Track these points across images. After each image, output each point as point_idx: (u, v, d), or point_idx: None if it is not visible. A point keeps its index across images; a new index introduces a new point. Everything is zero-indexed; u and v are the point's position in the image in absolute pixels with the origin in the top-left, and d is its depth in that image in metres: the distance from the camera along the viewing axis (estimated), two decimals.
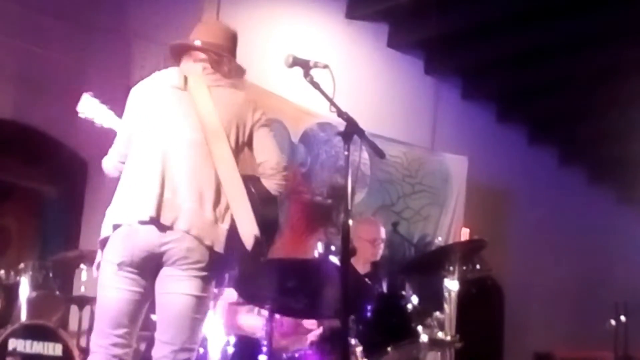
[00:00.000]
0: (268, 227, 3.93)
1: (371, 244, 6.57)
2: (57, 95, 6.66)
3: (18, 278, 5.71)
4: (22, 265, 5.79)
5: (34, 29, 6.62)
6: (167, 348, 3.78)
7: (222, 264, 3.82)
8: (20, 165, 6.74)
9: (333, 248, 5.33)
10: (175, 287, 3.78)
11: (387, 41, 9.10)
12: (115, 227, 3.79)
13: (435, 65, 9.56)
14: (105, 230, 3.83)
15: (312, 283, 4.38)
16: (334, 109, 3.67)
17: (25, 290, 5.68)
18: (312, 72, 3.70)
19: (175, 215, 3.75)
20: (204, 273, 3.76)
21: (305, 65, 3.70)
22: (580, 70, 9.08)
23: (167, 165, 3.83)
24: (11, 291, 5.70)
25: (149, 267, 3.78)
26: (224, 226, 3.79)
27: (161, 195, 3.76)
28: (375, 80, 9.00)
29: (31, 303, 5.69)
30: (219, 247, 3.76)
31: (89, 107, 4.36)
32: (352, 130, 3.63)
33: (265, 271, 4.47)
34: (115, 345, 3.81)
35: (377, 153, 3.80)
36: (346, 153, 3.61)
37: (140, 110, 3.99)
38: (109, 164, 4.08)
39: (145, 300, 3.85)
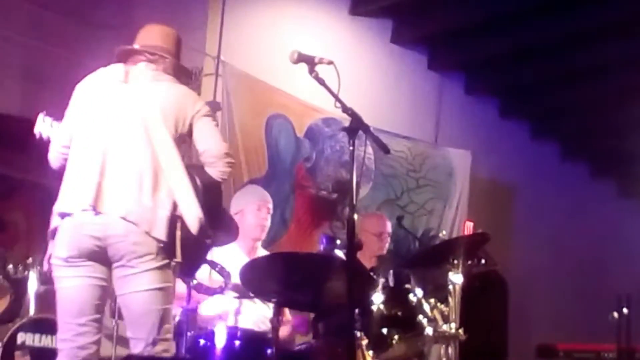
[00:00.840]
0: (212, 212, 4.01)
1: (378, 238, 6.61)
2: (63, 90, 6.69)
3: (26, 272, 5.76)
4: (30, 259, 5.83)
5: (40, 26, 6.66)
6: (141, 344, 3.84)
7: (171, 251, 3.86)
8: (27, 160, 6.76)
9: (338, 242, 5.38)
10: (132, 286, 3.84)
11: (390, 37, 9.12)
12: (62, 216, 3.88)
13: (438, 60, 9.57)
14: (54, 221, 3.92)
15: (317, 277, 4.41)
16: (338, 105, 3.70)
17: (33, 284, 5.73)
18: (317, 68, 3.74)
19: (114, 203, 3.82)
20: (157, 264, 3.82)
21: (310, 61, 3.74)
22: (582, 65, 9.10)
23: (108, 155, 3.91)
24: (20, 285, 5.74)
25: (98, 255, 3.84)
26: (163, 212, 3.83)
27: (100, 184, 3.85)
28: (379, 76, 9.02)
29: (40, 297, 5.73)
30: (158, 233, 3.80)
31: (45, 127, 4.43)
32: (356, 126, 3.67)
33: (269, 265, 4.52)
34: (78, 335, 3.86)
35: (382, 148, 3.84)
36: (351, 148, 3.64)
37: (83, 102, 4.14)
38: (51, 155, 4.26)
39: (103, 286, 3.90)
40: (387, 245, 6.66)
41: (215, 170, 4.05)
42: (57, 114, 6.60)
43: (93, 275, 3.87)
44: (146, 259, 3.81)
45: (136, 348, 3.85)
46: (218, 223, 4.10)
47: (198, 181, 3.97)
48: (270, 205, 5.68)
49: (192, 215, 3.87)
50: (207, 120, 4.10)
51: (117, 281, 3.88)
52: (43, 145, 6.54)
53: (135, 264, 3.81)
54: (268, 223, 5.65)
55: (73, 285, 3.88)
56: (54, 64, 6.65)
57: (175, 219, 3.85)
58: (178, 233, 3.85)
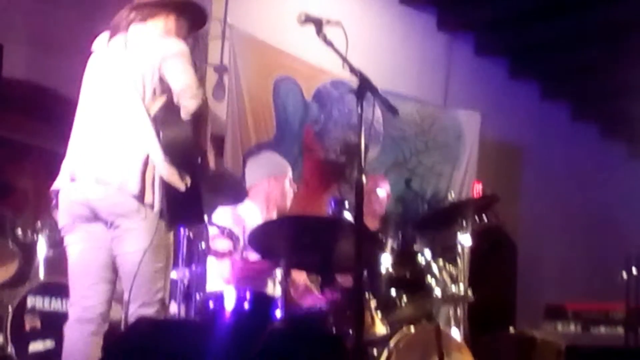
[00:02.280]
0: (186, 161, 3.94)
1: (377, 200, 6.63)
2: (72, 55, 6.66)
3: (35, 237, 5.76)
4: (39, 224, 5.83)
5: None
6: (132, 306, 3.87)
7: (151, 205, 3.85)
8: (36, 125, 6.76)
9: (346, 205, 5.38)
10: (120, 248, 3.89)
11: None
12: (57, 189, 4.06)
13: (447, 21, 9.51)
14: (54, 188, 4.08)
15: (325, 239, 4.42)
16: (346, 67, 3.69)
17: (42, 248, 5.74)
18: (325, 29, 3.72)
19: (89, 168, 3.91)
20: (137, 222, 3.84)
21: (317, 23, 3.72)
22: (592, 25, 9.03)
23: (90, 123, 4.04)
24: (29, 250, 5.75)
25: (92, 219, 3.91)
26: (134, 166, 3.84)
27: (80, 152, 3.98)
28: (387, 37, 8.97)
29: (49, 261, 5.75)
30: (132, 188, 3.81)
31: None
32: (364, 88, 3.65)
33: (278, 227, 4.52)
34: (84, 297, 3.94)
35: (390, 110, 3.82)
36: (359, 111, 3.63)
37: (85, 77, 4.26)
38: None
39: (108, 249, 3.94)
40: (379, 206, 6.65)
41: (181, 109, 3.93)
42: (71, 75, 6.63)
43: (94, 239, 3.94)
44: (127, 218, 3.84)
45: (129, 310, 3.87)
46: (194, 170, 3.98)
47: (161, 134, 3.89)
48: (290, 173, 5.65)
49: (160, 165, 3.86)
50: (172, 60, 3.99)
51: (111, 243, 3.93)
52: (49, 110, 6.56)
53: (120, 223, 3.86)
54: (291, 192, 5.63)
55: (77, 251, 3.99)
56: (60, 27, 6.61)
57: (145, 172, 3.85)
58: (149, 181, 3.84)
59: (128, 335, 3.44)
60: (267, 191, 5.53)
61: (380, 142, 8.59)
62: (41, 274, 5.67)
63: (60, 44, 6.62)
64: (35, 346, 5.38)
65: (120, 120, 3.94)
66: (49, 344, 5.42)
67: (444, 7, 9.40)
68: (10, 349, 5.21)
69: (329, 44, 3.69)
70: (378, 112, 7.47)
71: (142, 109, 3.91)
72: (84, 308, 3.93)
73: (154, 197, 3.83)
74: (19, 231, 5.74)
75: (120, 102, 3.97)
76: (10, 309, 5.29)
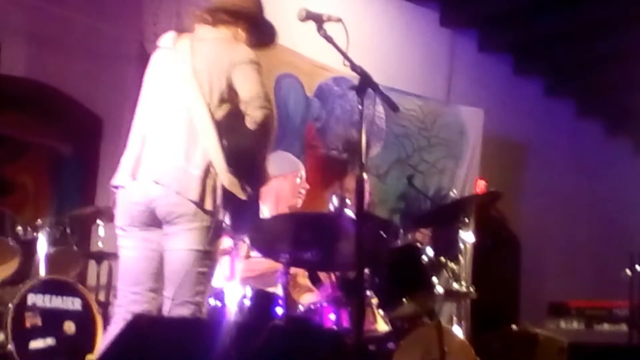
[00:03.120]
0: (246, 169, 3.94)
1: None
2: (71, 52, 6.67)
3: (36, 234, 5.76)
4: (39, 221, 5.83)
5: None
6: (168, 303, 3.87)
7: (211, 212, 3.85)
8: (35, 122, 6.76)
9: (348, 202, 5.36)
10: (170, 244, 3.89)
11: None
12: (115, 188, 4.00)
13: (450, 17, 9.49)
14: (113, 191, 4.05)
15: (327, 236, 4.40)
16: (347, 63, 3.67)
17: (43, 246, 5.73)
18: (326, 25, 3.70)
19: (149, 169, 3.90)
20: (195, 224, 3.83)
21: (318, 19, 3.71)
22: (596, 21, 8.99)
23: (150, 124, 3.99)
24: (29, 247, 5.75)
25: (149, 219, 3.91)
26: (195, 172, 3.83)
27: (140, 153, 3.94)
28: (390, 33, 8.95)
29: (49, 259, 5.75)
30: (192, 195, 3.80)
31: None
32: (365, 84, 3.63)
33: (278, 224, 4.50)
34: (131, 302, 3.95)
35: (391, 106, 3.81)
36: (360, 107, 3.61)
37: (148, 74, 4.16)
38: None
39: (156, 257, 3.95)
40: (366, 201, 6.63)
41: (247, 117, 3.91)
42: (71, 73, 6.63)
43: (148, 247, 3.96)
44: (184, 219, 3.83)
45: (165, 306, 3.89)
46: (255, 180, 4.01)
47: (224, 141, 3.89)
48: (303, 173, 5.63)
49: (222, 174, 3.86)
50: (242, 67, 3.96)
51: (163, 238, 3.93)
52: (49, 107, 6.54)
53: (176, 222, 3.86)
54: (302, 190, 5.60)
55: (130, 256, 4.00)
56: (60, 25, 6.60)
57: (206, 178, 3.85)
58: (210, 189, 3.84)
59: (127, 332, 3.42)
60: (277, 189, 5.51)
61: (383, 138, 8.57)
62: (42, 271, 5.66)
63: (60, 42, 6.62)
64: (36, 344, 5.38)
65: (184, 122, 3.91)
66: (49, 341, 5.42)
67: (447, 3, 9.38)
68: (10, 347, 5.21)
69: (330, 40, 3.67)
70: (380, 109, 7.48)
71: (207, 113, 3.88)
72: (128, 311, 3.94)
73: (215, 204, 3.84)
74: (19, 228, 5.74)
75: (184, 104, 3.93)
76: (10, 307, 5.28)
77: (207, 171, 3.84)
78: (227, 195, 3.85)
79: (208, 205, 3.81)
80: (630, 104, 10.24)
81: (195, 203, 3.79)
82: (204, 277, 3.90)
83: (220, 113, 3.91)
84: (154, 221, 3.92)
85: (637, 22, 8.74)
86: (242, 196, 3.86)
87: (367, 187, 6.54)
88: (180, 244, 3.86)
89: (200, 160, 3.84)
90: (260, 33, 4.28)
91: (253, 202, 3.94)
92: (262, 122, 3.86)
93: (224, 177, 3.84)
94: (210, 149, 3.86)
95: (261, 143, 3.96)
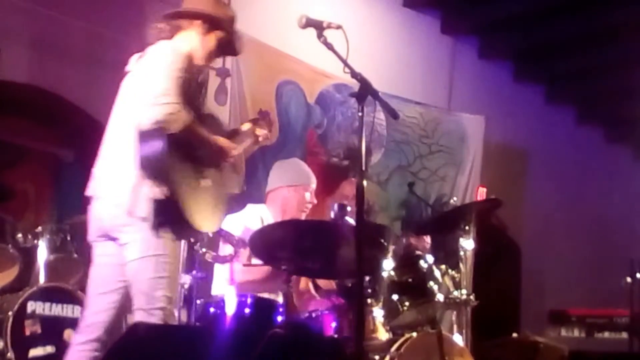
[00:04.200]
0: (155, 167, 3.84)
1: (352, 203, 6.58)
2: (72, 58, 6.67)
3: (36, 241, 5.76)
4: (39, 228, 5.83)
5: None
6: (138, 314, 3.88)
7: (144, 218, 3.84)
8: (36, 128, 6.76)
9: (349, 209, 5.34)
10: (124, 257, 3.91)
11: (402, 0, 9.05)
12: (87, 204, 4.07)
13: (452, 24, 9.48)
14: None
15: (328, 244, 4.38)
16: (347, 70, 3.66)
17: (43, 253, 5.73)
18: (326, 32, 3.69)
19: (102, 186, 3.96)
20: (138, 234, 3.83)
21: (318, 26, 3.69)
22: (597, 28, 9.00)
23: (108, 141, 4.06)
24: (29, 254, 5.75)
25: (107, 236, 3.97)
26: (128, 182, 3.83)
27: (98, 171, 4.02)
28: (391, 40, 8.95)
29: (49, 266, 5.74)
30: (126, 205, 3.82)
31: None
32: (366, 91, 3.63)
33: (279, 232, 4.49)
34: (93, 304, 4.02)
35: (391, 113, 3.81)
36: (360, 114, 3.60)
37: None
38: None
39: (115, 266, 3.98)
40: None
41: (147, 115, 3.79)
42: (73, 79, 6.63)
43: (108, 254, 3.99)
44: (129, 229, 3.85)
45: (135, 316, 3.88)
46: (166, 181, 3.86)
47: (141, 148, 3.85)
48: (314, 186, 5.59)
49: (140, 179, 3.85)
50: (146, 59, 3.96)
51: (120, 251, 3.95)
52: (50, 113, 6.54)
53: (121, 236, 3.89)
54: (309, 205, 5.57)
55: (96, 264, 4.06)
56: (62, 30, 6.60)
57: (138, 187, 3.84)
58: (143, 196, 3.82)
59: (125, 341, 3.41)
60: (284, 198, 5.49)
61: (384, 145, 8.57)
62: (41, 279, 5.65)
63: (61, 47, 6.61)
64: (36, 352, 5.36)
65: (122, 137, 3.93)
66: (49, 349, 5.40)
67: (448, 10, 9.38)
68: (10, 355, 5.19)
69: (330, 47, 3.66)
70: (381, 116, 7.48)
71: (133, 124, 3.86)
72: (83, 317, 4.02)
73: (146, 210, 3.81)
74: (19, 236, 5.74)
75: (125, 119, 3.97)
76: (10, 314, 5.27)
77: (140, 179, 3.82)
78: (154, 199, 3.81)
79: (140, 212, 3.80)
80: (630, 112, 10.24)
81: (128, 212, 3.81)
82: (162, 282, 3.85)
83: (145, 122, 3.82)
84: (108, 236, 3.96)
85: (637, 30, 8.74)
86: (160, 197, 3.78)
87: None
88: (132, 254, 3.86)
89: (130, 170, 3.83)
90: (220, 35, 4.20)
91: (174, 202, 3.80)
92: (160, 121, 3.75)
93: (142, 182, 3.82)
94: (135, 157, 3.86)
95: (182, 142, 3.85)
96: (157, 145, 3.79)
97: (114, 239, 3.94)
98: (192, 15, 4.16)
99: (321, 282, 5.40)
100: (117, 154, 3.94)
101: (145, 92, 3.81)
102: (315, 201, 5.58)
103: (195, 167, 3.99)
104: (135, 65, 4.08)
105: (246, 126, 4.57)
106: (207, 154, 4.05)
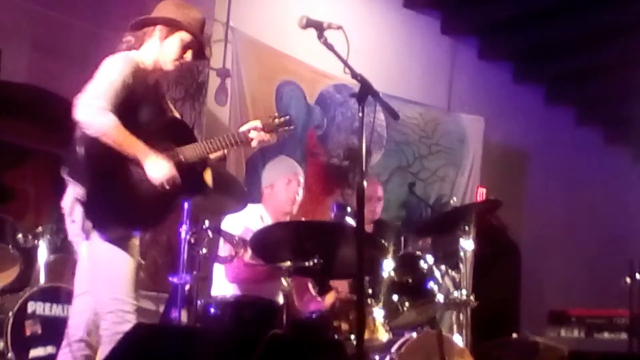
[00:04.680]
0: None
1: (367, 203, 6.59)
2: (72, 58, 6.66)
3: (36, 242, 5.75)
4: (40, 229, 5.83)
5: None
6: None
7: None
8: (36, 128, 6.75)
9: (349, 209, 5.35)
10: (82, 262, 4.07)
11: (403, 1, 9.05)
12: None
13: (451, 25, 9.48)
14: None
15: (328, 244, 4.39)
16: (348, 71, 3.67)
17: (43, 253, 5.73)
18: (326, 33, 3.70)
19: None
20: (76, 238, 3.98)
21: (319, 27, 3.70)
22: (596, 29, 8.99)
23: None
24: (29, 255, 5.75)
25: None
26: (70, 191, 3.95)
27: None
28: (391, 41, 8.95)
29: (49, 266, 5.74)
30: (65, 206, 3.96)
31: None
32: (366, 92, 3.63)
33: (280, 232, 4.50)
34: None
35: (391, 114, 3.82)
36: (360, 114, 3.61)
37: None
38: None
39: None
40: (378, 210, 6.62)
41: None
42: (73, 79, 6.61)
43: (81, 254, 4.06)
44: (75, 234, 3.98)
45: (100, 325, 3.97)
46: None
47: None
48: (302, 178, 5.60)
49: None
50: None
51: None
52: (50, 114, 6.53)
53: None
54: (299, 197, 5.56)
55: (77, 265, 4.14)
56: (62, 30, 6.60)
57: None
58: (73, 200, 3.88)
59: (126, 342, 3.41)
60: (277, 189, 5.51)
61: (384, 146, 8.57)
62: (42, 279, 5.65)
63: (61, 48, 6.61)
64: (36, 352, 5.36)
65: None
66: (49, 349, 5.39)
67: (447, 11, 9.38)
68: (10, 355, 5.19)
69: (330, 47, 3.67)
70: (381, 116, 7.49)
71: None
72: (68, 320, 4.08)
73: (70, 210, 3.89)
74: (20, 236, 5.73)
75: None
76: (10, 315, 5.27)
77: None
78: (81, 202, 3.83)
79: (76, 218, 3.89)
80: (629, 113, 10.23)
81: (67, 214, 3.94)
82: (109, 285, 3.86)
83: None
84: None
85: (636, 31, 8.75)
86: (80, 198, 3.81)
87: (379, 192, 6.58)
88: (85, 256, 3.95)
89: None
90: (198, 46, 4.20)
91: (93, 201, 3.82)
92: (80, 120, 3.83)
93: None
94: None
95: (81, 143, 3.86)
96: (73, 145, 3.85)
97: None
98: (151, 22, 4.18)
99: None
100: None
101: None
102: (301, 193, 5.57)
103: (128, 164, 3.92)
104: None
105: (246, 127, 4.50)
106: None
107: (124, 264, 3.88)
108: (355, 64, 3.67)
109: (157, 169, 3.89)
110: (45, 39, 6.56)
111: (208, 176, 4.20)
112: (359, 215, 3.65)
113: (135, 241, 3.98)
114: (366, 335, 4.44)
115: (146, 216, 4.01)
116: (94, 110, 3.81)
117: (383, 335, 4.87)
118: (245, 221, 5.23)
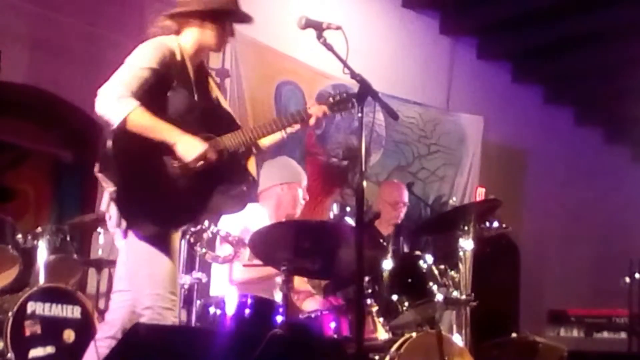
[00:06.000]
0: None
1: (392, 207, 6.63)
2: (71, 58, 6.67)
3: (36, 242, 5.76)
4: (39, 229, 5.84)
5: None
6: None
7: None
8: (36, 129, 6.76)
9: (348, 209, 5.35)
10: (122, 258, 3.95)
11: (402, 1, 9.06)
12: None
13: (450, 24, 9.49)
14: None
15: (327, 244, 4.39)
16: (347, 71, 3.67)
17: (43, 254, 5.73)
18: (325, 33, 3.71)
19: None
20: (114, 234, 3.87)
21: (318, 27, 3.71)
22: (595, 28, 9.00)
23: None
24: (29, 255, 5.75)
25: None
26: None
27: None
28: (390, 41, 8.96)
29: (49, 266, 5.75)
30: (103, 202, 3.83)
31: None
32: (365, 92, 3.64)
33: (279, 232, 4.49)
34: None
35: (390, 114, 3.82)
36: (359, 115, 3.62)
37: None
38: None
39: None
40: (402, 214, 6.65)
41: None
42: (71, 79, 6.63)
43: (121, 251, 3.97)
44: (113, 230, 3.88)
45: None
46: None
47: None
48: (305, 182, 5.56)
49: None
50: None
51: None
52: (50, 114, 6.53)
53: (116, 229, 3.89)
54: (302, 201, 5.53)
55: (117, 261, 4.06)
56: (60, 31, 6.61)
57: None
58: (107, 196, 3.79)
59: (125, 342, 3.41)
60: (278, 196, 5.49)
61: (383, 146, 8.58)
62: (41, 279, 5.66)
63: (60, 48, 6.62)
64: (36, 352, 5.37)
65: None
66: (49, 349, 5.41)
67: (446, 11, 9.39)
68: (10, 355, 5.20)
69: (329, 48, 3.68)
70: (380, 116, 7.48)
71: None
72: (106, 314, 4.04)
73: (106, 207, 3.82)
74: (19, 236, 5.74)
75: None
76: (10, 315, 5.27)
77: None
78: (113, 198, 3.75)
79: (103, 207, 3.83)
80: (628, 112, 10.23)
81: (104, 210, 3.85)
82: (147, 280, 3.78)
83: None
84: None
85: (635, 30, 8.75)
86: (111, 190, 3.73)
87: (405, 197, 6.59)
88: (123, 256, 3.88)
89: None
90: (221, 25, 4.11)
91: (128, 199, 3.73)
92: (98, 112, 3.71)
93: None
94: None
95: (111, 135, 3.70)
96: (104, 140, 3.71)
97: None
98: (190, 14, 4.04)
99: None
100: None
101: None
102: (307, 197, 5.56)
103: (162, 157, 3.81)
104: None
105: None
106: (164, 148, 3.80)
107: (162, 260, 3.79)
108: (354, 64, 3.68)
109: (189, 147, 3.75)
110: (45, 40, 6.57)
111: (252, 166, 4.12)
112: (358, 215, 3.65)
113: (176, 235, 3.90)
114: (366, 335, 4.44)
115: (183, 211, 3.91)
116: (111, 99, 3.68)
117: (382, 335, 4.87)
118: (244, 221, 5.23)
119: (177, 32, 4.03)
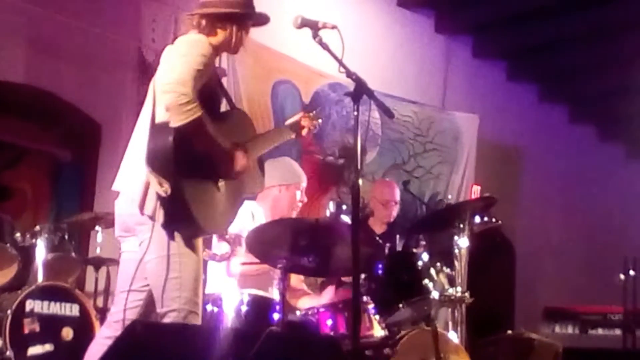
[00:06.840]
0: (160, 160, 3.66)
1: (384, 206, 6.66)
2: (69, 58, 6.69)
3: (34, 240, 5.76)
4: (37, 227, 5.84)
5: None
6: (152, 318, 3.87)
7: (151, 217, 3.73)
8: (34, 128, 6.77)
9: (345, 207, 5.38)
10: (144, 256, 3.81)
11: (397, 0, 9.08)
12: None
13: (445, 23, 9.52)
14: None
15: (324, 242, 4.42)
16: (342, 70, 3.69)
17: (41, 252, 5.74)
18: (321, 32, 3.72)
19: (120, 181, 3.90)
20: (148, 233, 3.73)
21: (313, 26, 3.72)
22: (589, 27, 9.03)
23: (133, 136, 3.95)
24: (27, 253, 5.76)
25: (128, 232, 3.91)
26: (141, 178, 3.71)
27: (121, 165, 3.94)
28: (385, 40, 8.98)
29: (47, 265, 5.75)
30: (137, 202, 3.72)
31: None
32: (361, 91, 3.66)
33: (275, 230, 4.52)
34: (114, 304, 4.00)
35: (386, 113, 3.84)
36: (355, 113, 3.64)
37: None
38: None
39: (135, 262, 3.87)
40: (394, 213, 6.68)
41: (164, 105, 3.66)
42: (70, 79, 6.65)
43: (131, 250, 3.91)
44: (143, 227, 3.77)
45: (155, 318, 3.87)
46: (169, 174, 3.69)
47: (150, 142, 3.71)
48: (304, 184, 5.56)
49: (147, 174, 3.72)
50: (166, 51, 3.81)
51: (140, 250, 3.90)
52: (48, 113, 6.54)
53: (139, 232, 3.80)
54: (300, 204, 5.53)
55: (122, 260, 4.01)
56: (59, 31, 6.62)
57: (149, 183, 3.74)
58: (152, 193, 3.70)
59: (123, 340, 3.43)
60: (275, 197, 5.49)
61: (379, 144, 8.61)
62: (40, 277, 5.67)
63: (58, 48, 6.64)
64: (34, 350, 5.38)
65: (142, 131, 3.83)
66: (47, 347, 5.42)
67: (441, 10, 9.41)
68: (9, 353, 5.20)
69: (325, 47, 3.69)
70: (376, 115, 7.52)
71: (149, 118, 3.78)
72: (111, 313, 3.99)
73: (152, 207, 3.70)
74: (18, 234, 5.75)
75: (147, 112, 3.87)
76: (9, 313, 5.27)
77: (148, 175, 3.71)
78: (160, 196, 3.66)
79: (148, 209, 3.71)
80: (622, 110, 10.27)
81: (139, 208, 3.72)
82: (177, 282, 3.74)
83: (159, 115, 3.75)
84: (129, 230, 3.89)
85: (628, 29, 8.79)
86: (162, 193, 3.63)
87: (397, 196, 6.62)
88: (147, 254, 3.78)
89: (142, 166, 3.71)
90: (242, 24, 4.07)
91: (177, 198, 3.65)
92: (170, 107, 3.60)
93: (148, 177, 3.69)
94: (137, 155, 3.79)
95: (185, 134, 3.64)
96: (163, 139, 3.65)
97: (135, 235, 3.85)
98: (223, 16, 4.00)
99: None
100: (137, 148, 3.82)
101: (160, 79, 3.71)
102: (305, 199, 5.57)
103: (206, 163, 3.81)
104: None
105: (291, 120, 4.52)
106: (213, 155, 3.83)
107: (192, 263, 3.78)
108: (349, 63, 3.70)
109: (240, 161, 3.87)
110: (44, 40, 6.59)
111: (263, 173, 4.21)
112: (354, 213, 3.68)
113: (200, 240, 3.88)
114: (362, 332, 4.47)
115: (221, 218, 3.93)
116: (183, 98, 3.58)
117: (378, 332, 4.89)
118: (241, 219, 5.25)
119: (208, 33, 3.98)
